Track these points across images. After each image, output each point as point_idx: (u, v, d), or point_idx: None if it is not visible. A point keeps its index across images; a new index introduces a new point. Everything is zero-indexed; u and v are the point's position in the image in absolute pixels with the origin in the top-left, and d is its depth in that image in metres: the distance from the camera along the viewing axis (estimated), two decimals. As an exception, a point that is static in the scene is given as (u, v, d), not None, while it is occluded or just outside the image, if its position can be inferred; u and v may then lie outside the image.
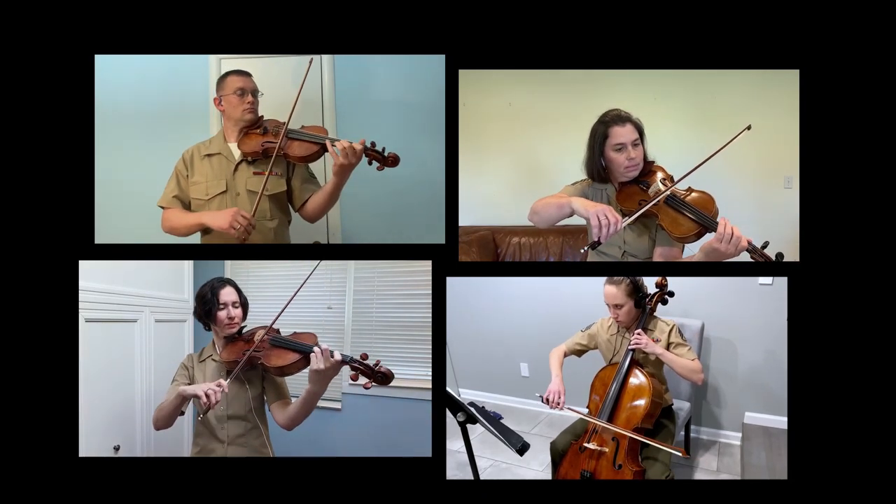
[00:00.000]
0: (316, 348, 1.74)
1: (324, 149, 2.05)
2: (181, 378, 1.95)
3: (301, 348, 1.82)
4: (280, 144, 2.06)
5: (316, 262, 1.99)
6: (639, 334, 1.98)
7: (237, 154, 2.14)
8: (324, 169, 2.60)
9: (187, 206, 2.16)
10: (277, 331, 1.91)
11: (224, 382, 1.76)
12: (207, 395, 1.72)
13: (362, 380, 1.78)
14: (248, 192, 2.11)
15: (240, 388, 1.90)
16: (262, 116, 2.17)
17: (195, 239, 2.16)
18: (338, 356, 1.74)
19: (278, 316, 1.89)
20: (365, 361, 1.78)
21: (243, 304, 1.99)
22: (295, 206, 2.20)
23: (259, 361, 1.85)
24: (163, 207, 2.15)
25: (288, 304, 1.88)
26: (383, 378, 1.78)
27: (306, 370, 1.80)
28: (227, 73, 2.16)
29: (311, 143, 2.07)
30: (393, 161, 2.04)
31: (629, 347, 1.98)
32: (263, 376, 1.94)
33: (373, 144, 2.03)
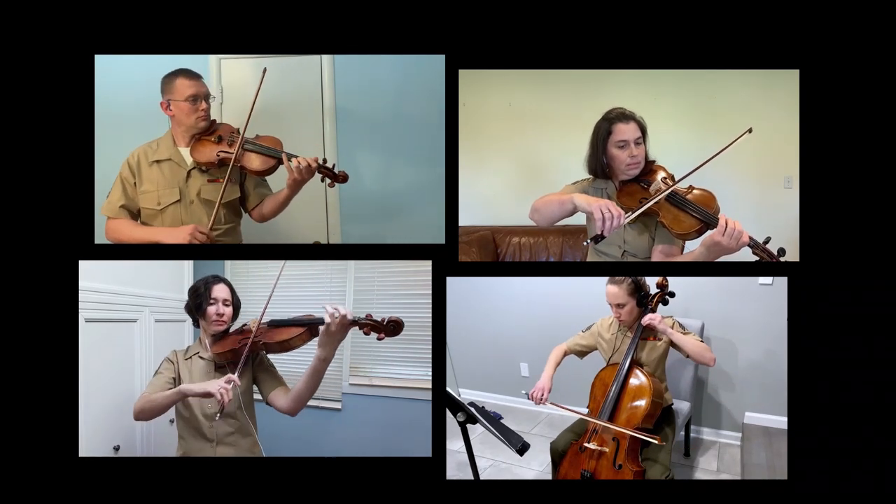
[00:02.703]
0: (328, 307, 1.70)
1: (280, 162, 2.06)
2: (166, 371, 1.90)
3: (303, 322, 1.82)
4: (236, 156, 2.05)
5: (282, 262, 1.97)
6: (651, 315, 2.00)
7: (189, 160, 2.11)
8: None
9: (135, 215, 2.12)
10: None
11: (234, 377, 1.73)
12: (221, 394, 1.68)
13: (373, 335, 1.79)
14: (203, 199, 2.09)
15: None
16: (215, 121, 2.16)
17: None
18: (349, 316, 1.72)
19: (265, 310, 1.87)
20: (373, 318, 1.77)
21: (234, 304, 1.97)
22: (247, 209, 2.21)
23: (261, 342, 1.84)
24: (108, 217, 2.10)
25: (268, 301, 1.86)
26: (395, 327, 1.77)
27: (307, 345, 1.80)
28: (175, 75, 2.10)
29: (268, 156, 2.08)
30: (343, 178, 2.11)
31: (642, 323, 2.00)
32: (254, 370, 1.92)
33: (324, 161, 2.08)
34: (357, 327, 1.76)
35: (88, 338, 2.02)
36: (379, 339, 1.78)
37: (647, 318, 1.99)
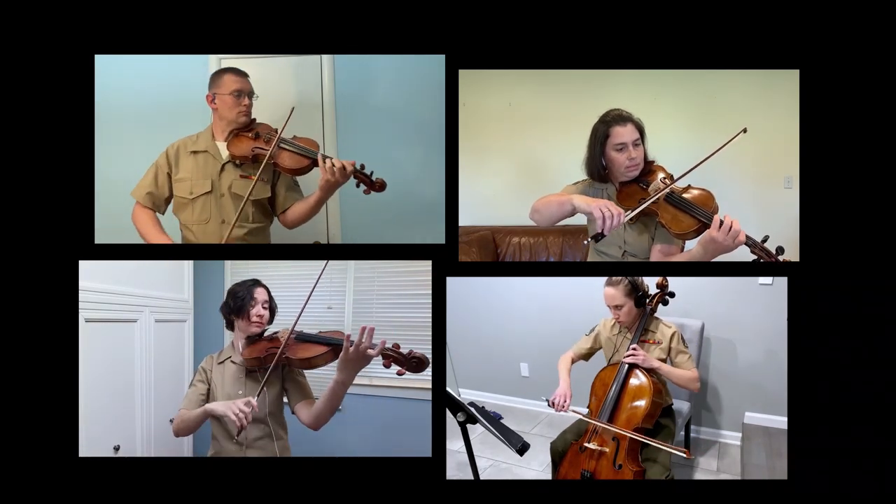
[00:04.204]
0: (352, 336, 1.71)
1: (314, 163, 2.06)
2: (199, 384, 1.96)
3: (329, 341, 1.85)
4: (271, 153, 2.06)
5: (324, 261, 2.00)
6: (634, 349, 1.98)
7: (224, 154, 2.14)
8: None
9: (161, 204, 2.17)
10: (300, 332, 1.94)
11: (253, 401, 1.76)
12: (238, 417, 1.72)
13: (394, 368, 1.80)
14: (233, 194, 2.12)
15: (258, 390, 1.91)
16: (255, 119, 2.18)
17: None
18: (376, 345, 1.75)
19: (299, 316, 1.90)
20: (398, 350, 1.79)
21: (271, 308, 2.02)
22: (276, 212, 2.21)
23: (284, 356, 1.86)
24: (136, 201, 2.17)
25: (305, 304, 1.89)
26: (418, 364, 1.79)
27: (331, 364, 1.83)
28: (224, 71, 2.16)
29: (302, 156, 2.08)
30: (380, 186, 2.08)
31: (624, 361, 1.98)
32: (284, 378, 1.95)
33: (362, 167, 2.06)
34: (381, 356, 1.77)
35: (88, 338, 2.03)
36: (399, 374, 1.79)
37: (630, 357, 1.97)
